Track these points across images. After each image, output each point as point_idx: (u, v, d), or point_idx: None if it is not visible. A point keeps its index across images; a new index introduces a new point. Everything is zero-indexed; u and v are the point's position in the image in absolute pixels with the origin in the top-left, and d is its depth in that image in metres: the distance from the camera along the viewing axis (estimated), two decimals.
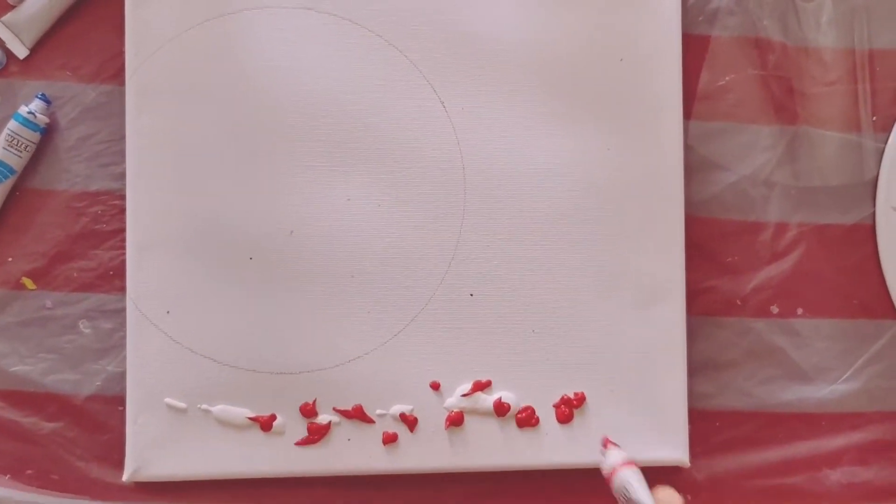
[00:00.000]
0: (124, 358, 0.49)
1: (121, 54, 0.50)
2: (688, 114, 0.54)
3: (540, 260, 0.51)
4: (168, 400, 0.49)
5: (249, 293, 0.50)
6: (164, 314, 0.49)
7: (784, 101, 0.55)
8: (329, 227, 0.50)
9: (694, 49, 0.54)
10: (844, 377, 0.54)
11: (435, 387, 0.50)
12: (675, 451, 0.51)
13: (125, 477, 0.49)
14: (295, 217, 0.50)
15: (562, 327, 0.51)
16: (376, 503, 0.51)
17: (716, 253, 0.54)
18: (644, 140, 0.52)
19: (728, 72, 0.55)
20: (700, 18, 0.55)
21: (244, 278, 0.50)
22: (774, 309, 0.54)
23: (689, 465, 0.51)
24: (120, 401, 0.50)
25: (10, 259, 0.50)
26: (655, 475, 0.44)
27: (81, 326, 0.51)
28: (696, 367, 0.53)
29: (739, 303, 0.54)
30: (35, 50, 0.51)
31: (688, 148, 0.54)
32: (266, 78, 0.50)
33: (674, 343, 0.52)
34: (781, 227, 0.54)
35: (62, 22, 0.51)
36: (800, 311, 0.54)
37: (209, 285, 0.50)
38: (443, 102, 0.51)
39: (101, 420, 0.50)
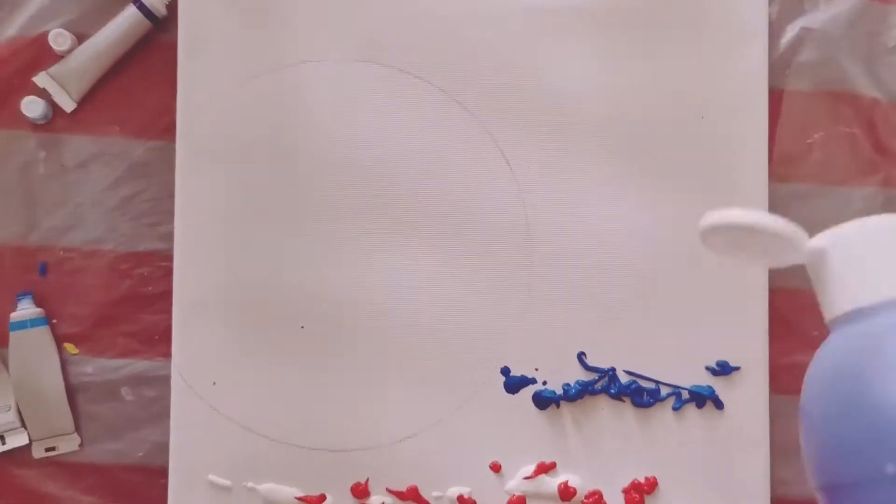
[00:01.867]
0: (167, 427, 0.47)
1: (171, 109, 0.48)
2: (770, 175, 0.50)
3: (610, 333, 0.48)
4: (212, 477, 0.46)
5: (300, 364, 0.47)
6: (210, 385, 0.47)
7: (877, 161, 0.51)
8: (385, 295, 0.47)
9: (778, 104, 0.50)
10: None
11: (495, 468, 0.47)
12: None
13: None
14: (349, 284, 0.47)
15: (632, 406, 0.48)
16: None
17: (801, 326, 0.50)
18: (726, 204, 0.48)
19: (815, 129, 0.51)
20: (786, 71, 0.51)
21: (294, 349, 0.47)
22: None
23: None
24: (162, 472, 0.47)
25: (53, 321, 0.48)
26: None
27: (123, 393, 0.48)
28: (779, 451, 0.49)
29: None
30: (82, 103, 0.49)
31: (771, 212, 0.50)
32: (323, 135, 0.48)
33: (755, 424, 0.48)
34: None
35: (111, 74, 0.49)
36: None
37: (258, 355, 0.47)
38: (508, 161, 0.48)
39: (143, 492, 0.48)
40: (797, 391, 0.50)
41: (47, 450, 0.47)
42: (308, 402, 0.47)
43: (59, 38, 0.48)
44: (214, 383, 0.47)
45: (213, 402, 0.47)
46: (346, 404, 0.47)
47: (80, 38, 0.48)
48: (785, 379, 0.50)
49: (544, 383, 0.48)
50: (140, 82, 0.49)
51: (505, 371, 0.48)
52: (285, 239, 0.47)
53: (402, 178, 0.48)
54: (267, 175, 0.47)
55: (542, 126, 0.48)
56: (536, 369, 0.48)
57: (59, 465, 0.48)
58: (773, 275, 0.49)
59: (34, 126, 0.49)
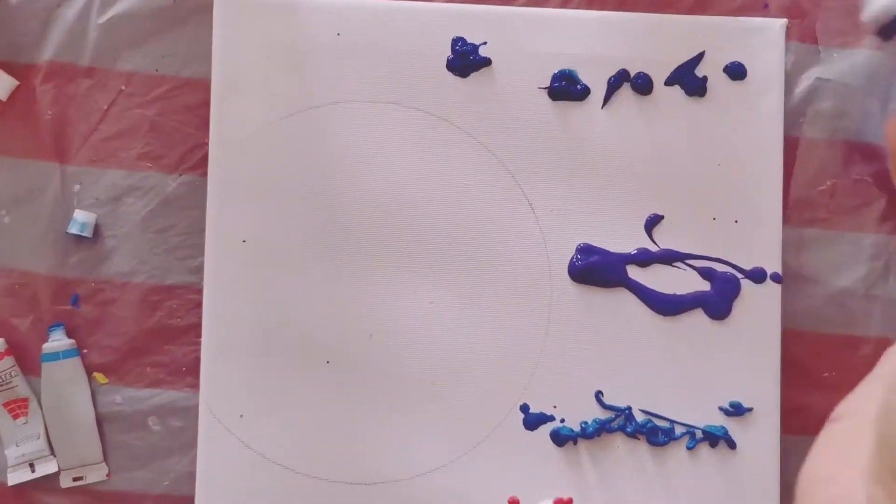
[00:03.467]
0: (194, 457, 0.48)
1: (202, 145, 0.49)
2: (785, 219, 0.51)
3: (627, 372, 0.49)
4: None
5: (325, 398, 0.48)
6: (238, 418, 0.48)
7: (887, 209, 0.52)
8: (410, 331, 0.49)
9: (794, 151, 0.52)
10: None
11: (514, 503, 0.48)
12: None
13: None
14: (375, 320, 0.48)
15: (647, 444, 0.49)
16: None
17: (812, 368, 0.51)
18: (741, 246, 0.50)
19: (827, 176, 0.52)
20: (801, 120, 0.52)
21: (320, 383, 0.48)
22: None
23: None
24: (188, 502, 0.48)
25: (84, 351, 0.49)
26: None
27: (151, 423, 0.49)
28: (790, 491, 0.50)
29: None
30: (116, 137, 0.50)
31: (784, 256, 0.51)
32: (350, 174, 0.49)
33: (767, 464, 0.49)
34: (883, 343, 0.51)
35: (146, 110, 0.50)
36: None
37: (284, 389, 0.48)
38: (531, 203, 0.50)
39: None
40: (808, 432, 0.51)
41: (75, 479, 0.48)
42: (332, 437, 0.48)
43: None
44: (241, 416, 0.48)
45: (240, 435, 0.48)
46: (370, 439, 0.48)
47: None
48: (796, 420, 0.51)
49: (562, 421, 0.49)
50: (173, 118, 0.50)
51: (524, 408, 0.49)
52: (312, 275, 0.48)
53: (427, 217, 0.49)
54: (295, 212, 0.49)
55: (564, 171, 0.50)
56: (555, 407, 0.49)
57: (86, 493, 0.49)
58: (786, 318, 0.51)
59: (68, 158, 0.50)
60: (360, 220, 0.49)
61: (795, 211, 0.52)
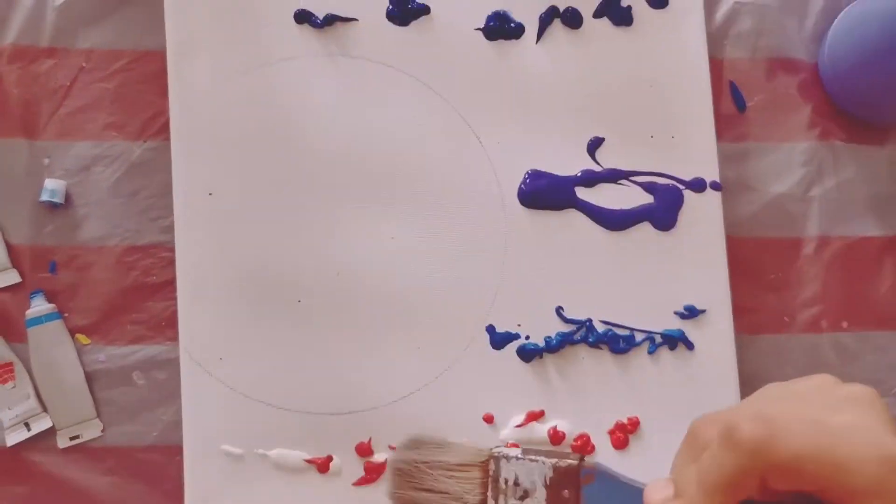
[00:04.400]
0: (179, 407, 0.50)
1: (164, 112, 0.52)
2: (720, 136, 0.55)
3: (584, 287, 0.52)
4: (225, 447, 0.49)
5: (300, 336, 0.50)
6: (218, 361, 0.50)
7: (814, 116, 0.56)
8: (374, 266, 0.51)
9: (718, 72, 0.55)
10: None
11: (488, 419, 0.50)
12: None
13: None
14: (341, 258, 0.51)
15: (610, 353, 0.51)
16: None
17: (760, 271, 0.54)
18: (679, 160, 0.53)
19: (755, 92, 0.56)
20: (724, 42, 0.56)
21: (294, 321, 0.50)
22: (823, 324, 0.54)
23: None
24: (178, 450, 0.50)
25: (65, 315, 0.51)
26: None
27: (135, 378, 0.51)
28: (749, 387, 0.52)
29: (787, 319, 0.54)
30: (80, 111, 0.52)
31: (721, 170, 0.54)
32: (306, 125, 0.52)
33: (724, 361, 0.52)
34: (823, 241, 0.55)
35: (107, 84, 0.53)
36: (845, 324, 0.54)
37: (260, 330, 0.50)
38: (479, 137, 0.52)
39: (160, 471, 0.50)
40: (762, 331, 0.54)
41: (72, 438, 0.50)
42: (309, 371, 0.50)
43: None
44: (221, 359, 0.50)
45: (221, 377, 0.50)
46: (346, 370, 0.50)
47: None
48: (749, 320, 0.54)
49: (527, 337, 0.51)
50: (134, 88, 0.53)
51: (490, 329, 0.51)
52: (278, 222, 0.51)
53: (382, 158, 0.52)
54: (257, 164, 0.51)
55: (507, 105, 0.53)
56: (519, 325, 0.51)
57: (82, 451, 0.50)
58: (731, 226, 0.54)
59: (36, 134, 0.52)
60: (320, 166, 0.51)
61: (729, 127, 0.55)
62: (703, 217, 0.52)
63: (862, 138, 0.56)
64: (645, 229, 0.52)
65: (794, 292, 0.54)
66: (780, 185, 0.55)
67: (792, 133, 0.56)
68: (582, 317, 0.52)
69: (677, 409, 0.51)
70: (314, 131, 0.52)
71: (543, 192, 0.52)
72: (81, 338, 0.51)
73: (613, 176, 0.53)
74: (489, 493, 0.33)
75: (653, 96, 0.53)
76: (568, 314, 0.51)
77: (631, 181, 0.53)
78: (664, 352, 0.52)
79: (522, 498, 0.33)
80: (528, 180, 0.52)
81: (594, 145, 0.53)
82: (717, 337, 0.52)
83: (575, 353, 0.51)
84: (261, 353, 0.50)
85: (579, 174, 0.52)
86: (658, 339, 0.52)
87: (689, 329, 0.52)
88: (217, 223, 0.51)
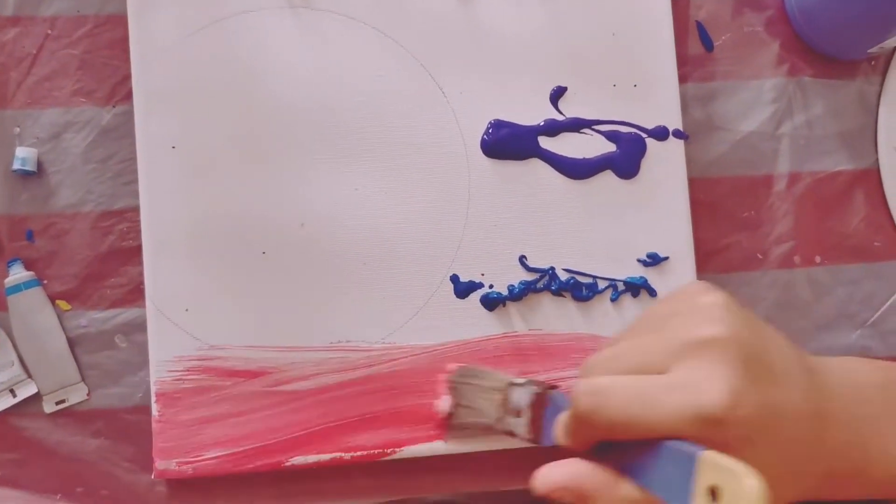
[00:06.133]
0: None
1: (131, 76, 0.52)
2: (685, 78, 0.55)
3: (547, 236, 0.52)
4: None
5: (265, 287, 0.51)
6: (184, 312, 0.50)
7: (781, 52, 0.56)
8: (338, 217, 0.51)
9: (683, 13, 0.55)
10: (871, 321, 0.55)
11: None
12: None
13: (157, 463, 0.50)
14: (304, 210, 0.51)
15: (573, 300, 0.52)
16: (425, 488, 0.52)
17: (733, 210, 0.55)
18: (642, 109, 0.53)
19: (721, 32, 0.56)
20: None
21: (259, 273, 0.51)
22: (796, 259, 0.55)
23: None
24: None
25: (45, 282, 0.52)
26: None
27: (118, 341, 0.52)
28: None
29: (760, 257, 0.55)
30: (48, 79, 0.52)
31: (691, 111, 0.54)
32: (266, 77, 0.52)
33: None
34: (794, 176, 0.55)
35: (73, 50, 0.53)
36: (818, 259, 0.55)
37: (225, 282, 0.51)
38: (441, 88, 0.52)
39: (148, 431, 0.51)
40: (734, 269, 0.55)
41: (58, 403, 0.51)
42: (274, 322, 0.51)
43: None
44: (187, 310, 0.50)
45: (187, 328, 0.50)
46: (311, 321, 0.51)
47: None
48: (725, 258, 0.54)
49: (490, 286, 0.52)
50: (100, 54, 0.53)
51: (454, 279, 0.52)
52: (242, 174, 0.51)
53: (344, 110, 0.52)
54: (219, 117, 0.51)
55: (469, 55, 0.53)
56: (483, 274, 0.52)
57: (69, 415, 0.51)
58: (702, 167, 0.54)
59: (5, 104, 0.52)
60: (283, 118, 0.52)
61: (696, 68, 0.55)
62: (666, 165, 0.53)
63: (830, 73, 0.56)
64: (608, 178, 0.53)
65: (766, 229, 0.55)
66: (750, 124, 0.55)
67: (760, 71, 0.56)
68: (545, 265, 0.52)
69: None
70: (277, 84, 0.52)
71: (506, 142, 0.52)
72: (62, 304, 0.52)
73: (576, 125, 0.53)
74: (504, 411, 0.45)
75: (615, 45, 0.53)
76: (531, 263, 0.52)
77: (594, 130, 0.53)
78: (627, 299, 0.52)
79: (518, 415, 0.44)
80: (490, 130, 0.52)
81: (557, 94, 0.53)
82: (680, 283, 0.52)
83: (538, 300, 0.52)
84: (226, 305, 0.50)
85: (542, 123, 0.52)
86: (621, 286, 0.52)
87: (653, 276, 0.52)
88: (180, 176, 0.51)
